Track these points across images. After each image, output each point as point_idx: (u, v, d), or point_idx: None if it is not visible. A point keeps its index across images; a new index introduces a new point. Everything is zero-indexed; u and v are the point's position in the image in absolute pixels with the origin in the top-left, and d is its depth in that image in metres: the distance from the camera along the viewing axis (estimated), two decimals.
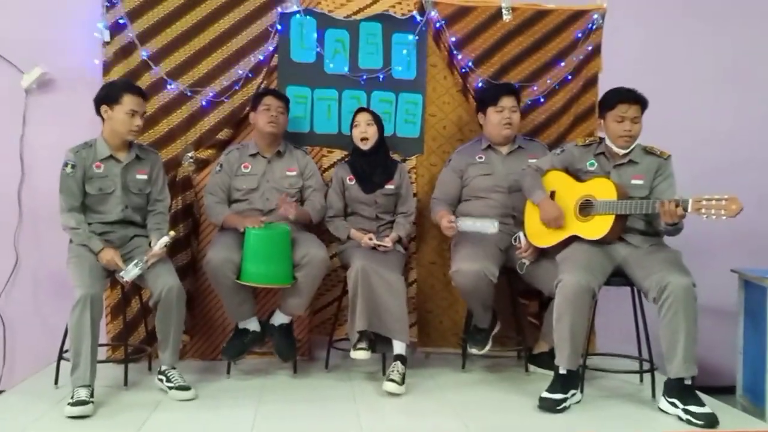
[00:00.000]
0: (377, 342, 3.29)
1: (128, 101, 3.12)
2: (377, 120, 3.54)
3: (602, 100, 3.23)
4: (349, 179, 3.56)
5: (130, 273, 2.98)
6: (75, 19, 3.68)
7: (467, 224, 3.27)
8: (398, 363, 3.15)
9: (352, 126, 3.56)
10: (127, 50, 3.64)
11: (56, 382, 3.19)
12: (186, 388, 3.03)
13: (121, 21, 3.62)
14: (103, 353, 3.48)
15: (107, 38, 3.61)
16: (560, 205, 3.18)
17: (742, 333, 3.57)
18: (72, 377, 2.87)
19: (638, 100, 3.10)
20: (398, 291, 3.21)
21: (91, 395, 2.83)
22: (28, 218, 3.73)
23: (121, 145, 3.20)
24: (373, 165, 3.54)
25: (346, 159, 3.69)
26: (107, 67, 3.62)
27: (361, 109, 3.58)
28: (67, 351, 3.01)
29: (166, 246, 3.10)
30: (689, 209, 2.80)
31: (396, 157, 3.72)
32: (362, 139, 3.51)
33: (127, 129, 3.14)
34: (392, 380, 3.08)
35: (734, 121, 4.04)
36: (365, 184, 3.53)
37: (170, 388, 3.04)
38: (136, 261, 3.01)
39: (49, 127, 3.69)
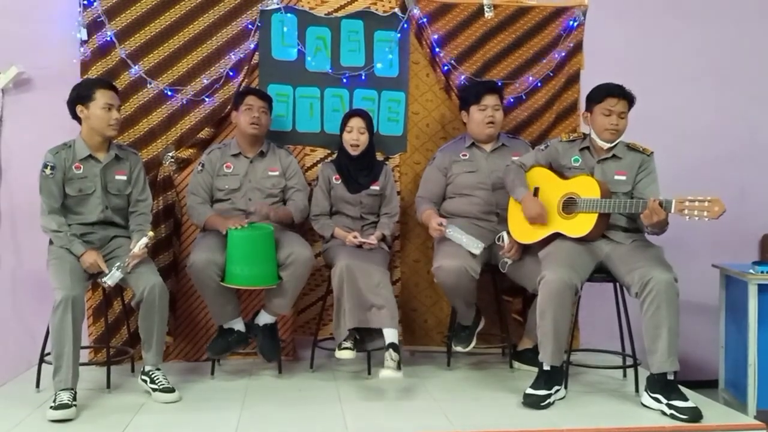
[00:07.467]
0: (362, 341, 3.28)
1: (101, 96, 3.08)
2: (369, 127, 3.50)
3: (591, 93, 3.23)
4: (335, 178, 3.54)
5: (112, 277, 2.96)
6: (52, 17, 3.63)
7: (455, 236, 3.24)
8: (390, 351, 3.06)
9: (343, 128, 3.51)
10: (105, 49, 3.59)
11: (38, 386, 3.15)
12: (170, 391, 3.00)
13: (98, 19, 3.57)
14: (85, 356, 3.44)
15: (85, 37, 3.57)
16: (543, 202, 3.18)
17: (723, 328, 3.60)
18: (54, 380, 2.83)
19: (626, 96, 3.13)
20: (384, 282, 3.19)
21: (74, 399, 2.80)
22: (6, 219, 3.67)
23: (100, 144, 3.16)
24: (359, 167, 3.53)
25: (332, 158, 3.67)
26: (85, 66, 3.57)
27: (356, 114, 3.52)
28: (48, 354, 2.97)
29: (146, 247, 3.06)
30: (672, 210, 2.82)
31: (379, 155, 3.71)
32: (353, 146, 3.48)
33: (106, 124, 3.09)
34: (388, 368, 3.01)
35: (715, 117, 4.07)
36: (351, 184, 3.52)
37: (154, 390, 3.01)
38: (117, 264, 2.98)
39: (26, 126, 3.64)
